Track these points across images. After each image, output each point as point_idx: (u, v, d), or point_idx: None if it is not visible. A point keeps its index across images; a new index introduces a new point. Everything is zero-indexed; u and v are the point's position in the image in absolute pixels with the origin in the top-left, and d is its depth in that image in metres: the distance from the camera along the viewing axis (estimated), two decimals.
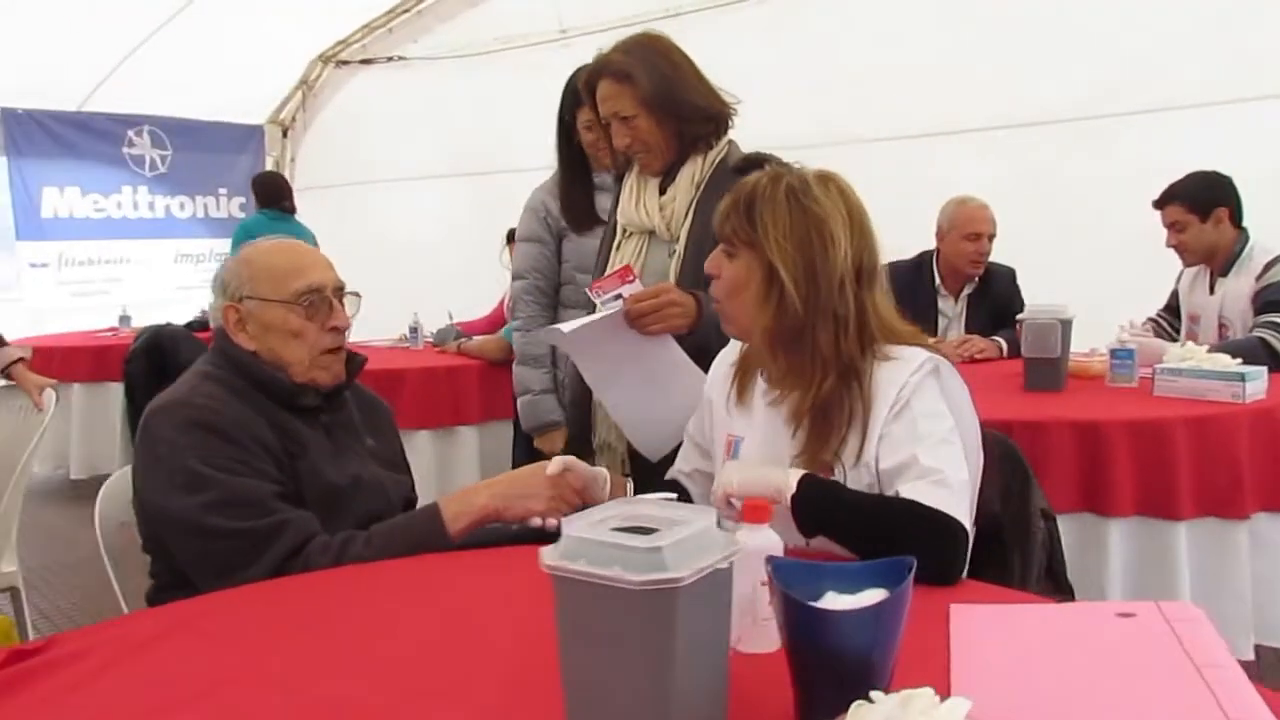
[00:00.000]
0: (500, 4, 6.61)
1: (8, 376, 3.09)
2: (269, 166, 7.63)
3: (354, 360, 1.91)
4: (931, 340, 3.36)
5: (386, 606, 1.39)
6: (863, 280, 1.51)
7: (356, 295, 1.92)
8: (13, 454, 2.93)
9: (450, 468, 3.92)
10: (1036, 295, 4.05)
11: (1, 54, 5.84)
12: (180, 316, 6.21)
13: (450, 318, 4.75)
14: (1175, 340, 3.23)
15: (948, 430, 1.47)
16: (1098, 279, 4.18)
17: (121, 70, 6.41)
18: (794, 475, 1.42)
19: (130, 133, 6.90)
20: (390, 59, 7.09)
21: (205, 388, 1.73)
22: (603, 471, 1.71)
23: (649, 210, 2.13)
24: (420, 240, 7.07)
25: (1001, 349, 3.45)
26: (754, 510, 1.17)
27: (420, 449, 3.88)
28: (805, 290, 1.47)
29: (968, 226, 3.62)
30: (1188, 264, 3.38)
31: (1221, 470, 2.38)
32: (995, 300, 3.67)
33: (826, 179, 1.53)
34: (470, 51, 6.62)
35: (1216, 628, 1.13)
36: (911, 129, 5.11)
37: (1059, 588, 1.80)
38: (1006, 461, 1.85)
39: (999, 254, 3.75)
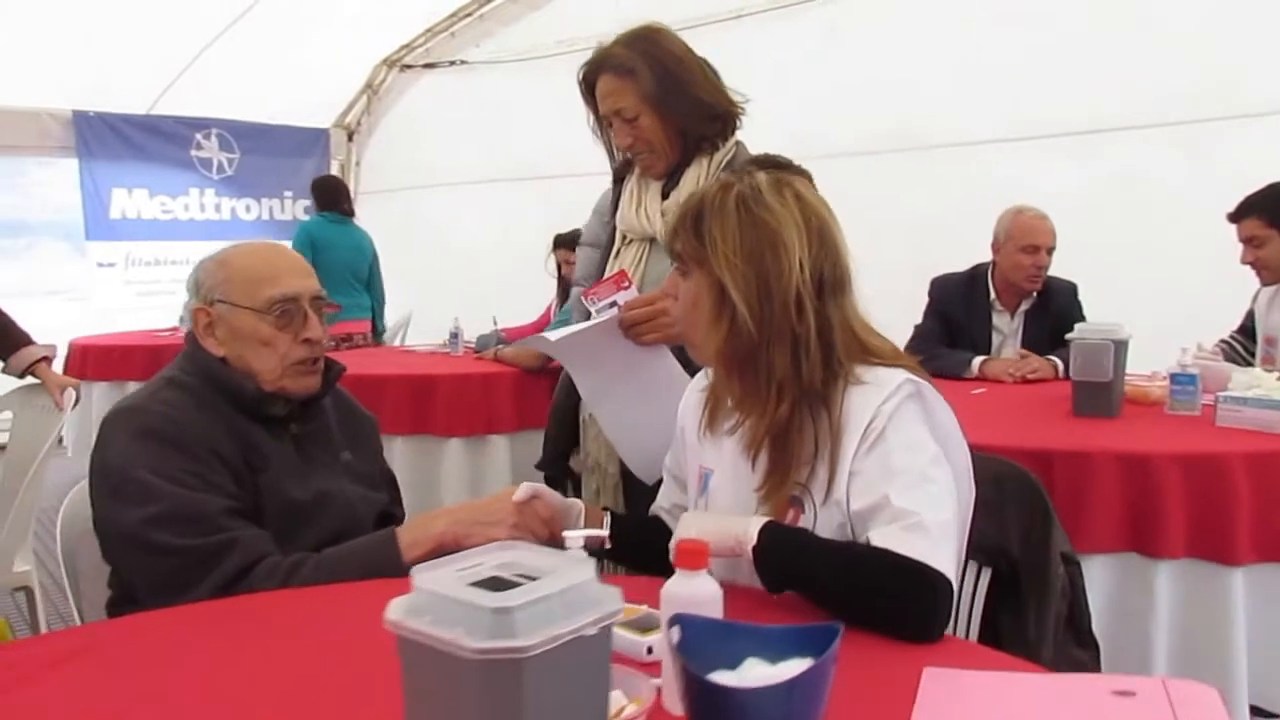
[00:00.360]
0: (561, 7, 6.54)
1: (33, 375, 3.09)
2: (334, 170, 7.68)
3: (331, 370, 1.82)
4: (982, 359, 3.28)
5: (317, 636, 1.29)
6: (825, 294, 1.35)
7: (336, 306, 1.83)
8: (36, 453, 2.93)
9: (481, 477, 3.82)
10: (1107, 313, 3.80)
11: (73, 57, 5.96)
12: None
13: (494, 323, 4.66)
14: (1250, 365, 2.98)
15: (928, 462, 1.30)
16: (1176, 296, 3.92)
17: (189, 74, 6.50)
18: (755, 524, 1.28)
19: (198, 135, 7.01)
20: (452, 63, 7.07)
21: (166, 394, 1.66)
22: (576, 503, 1.58)
23: (650, 216, 2.00)
24: (480, 245, 7.03)
25: (1057, 369, 3.22)
26: (687, 554, 1.03)
27: (452, 457, 3.79)
28: (758, 308, 1.33)
29: (1025, 238, 3.40)
30: (1265, 282, 3.11)
31: None
32: (1055, 317, 3.43)
33: (782, 184, 1.38)
34: (530, 55, 6.56)
35: (1275, 685, 0.95)
36: (981, 134, 4.88)
37: (1081, 641, 1.61)
38: (1027, 499, 1.67)
39: (1068, 267, 3.52)
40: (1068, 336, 2.63)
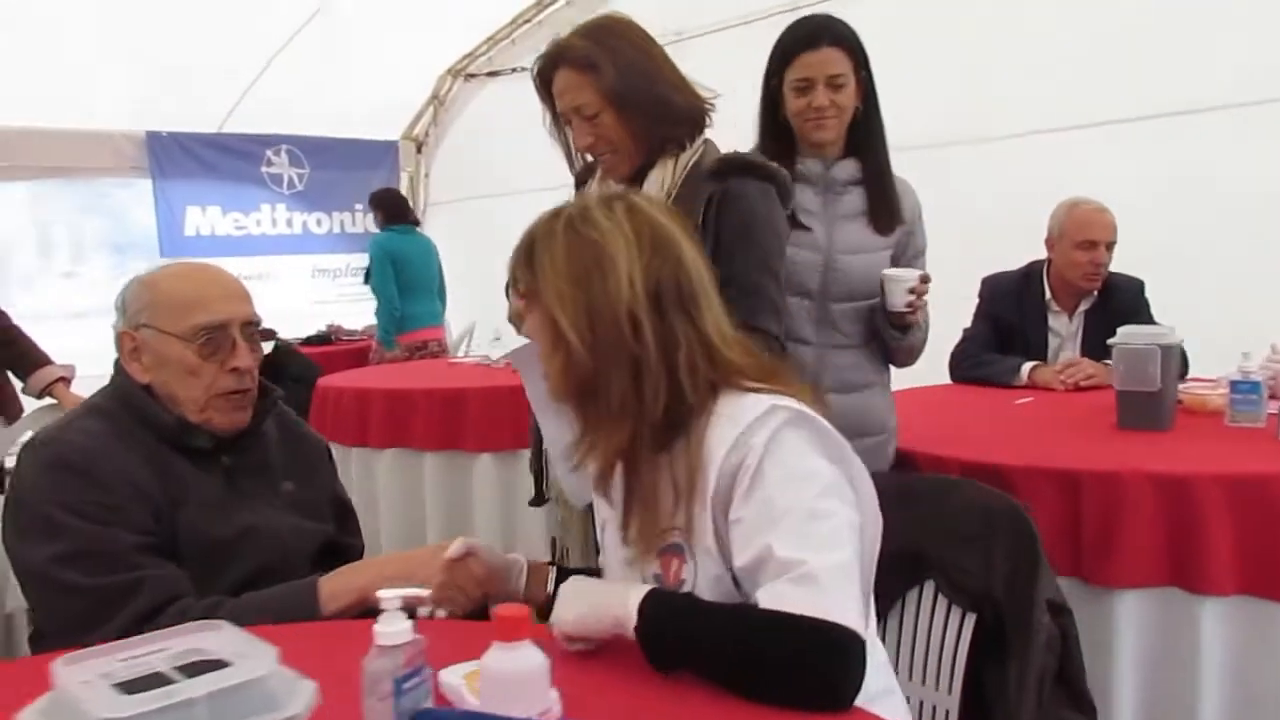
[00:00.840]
0: (614, 9, 6.42)
1: (50, 395, 3.10)
2: (404, 182, 7.73)
3: (267, 398, 1.72)
4: (1031, 365, 3.02)
5: None
6: (666, 308, 1.19)
7: (271, 333, 1.73)
8: None
9: (513, 494, 3.71)
10: (1182, 313, 3.49)
11: (144, 80, 6.10)
12: (313, 330, 6.35)
13: None
14: None
15: (816, 496, 1.12)
16: (1258, 293, 3.56)
17: (257, 92, 6.60)
18: (635, 598, 1.12)
19: (268, 152, 7.12)
20: (514, 70, 7.02)
21: (84, 423, 1.59)
22: (518, 560, 1.45)
23: None
24: None
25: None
26: (505, 624, 0.88)
27: (482, 473, 3.70)
28: (589, 333, 1.18)
29: (1081, 233, 3.11)
30: None
31: None
32: (1117, 317, 3.09)
33: (613, 200, 1.24)
34: None
35: None
36: (1044, 123, 4.56)
37: (1075, 702, 1.41)
38: (1014, 536, 1.47)
39: (1139, 263, 3.23)
40: (1110, 342, 2.37)
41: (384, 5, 6.20)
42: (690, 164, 1.84)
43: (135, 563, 1.47)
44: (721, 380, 1.20)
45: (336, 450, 3.94)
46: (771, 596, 1.07)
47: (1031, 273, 3.30)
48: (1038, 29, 4.42)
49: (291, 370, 5.23)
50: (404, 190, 7.73)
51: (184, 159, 6.68)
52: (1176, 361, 2.30)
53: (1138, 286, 3.24)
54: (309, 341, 6.04)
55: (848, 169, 2.19)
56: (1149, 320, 3.20)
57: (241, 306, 1.66)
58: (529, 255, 1.23)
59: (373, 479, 3.77)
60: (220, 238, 6.97)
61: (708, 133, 1.90)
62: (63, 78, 5.74)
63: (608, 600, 1.14)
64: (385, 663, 0.91)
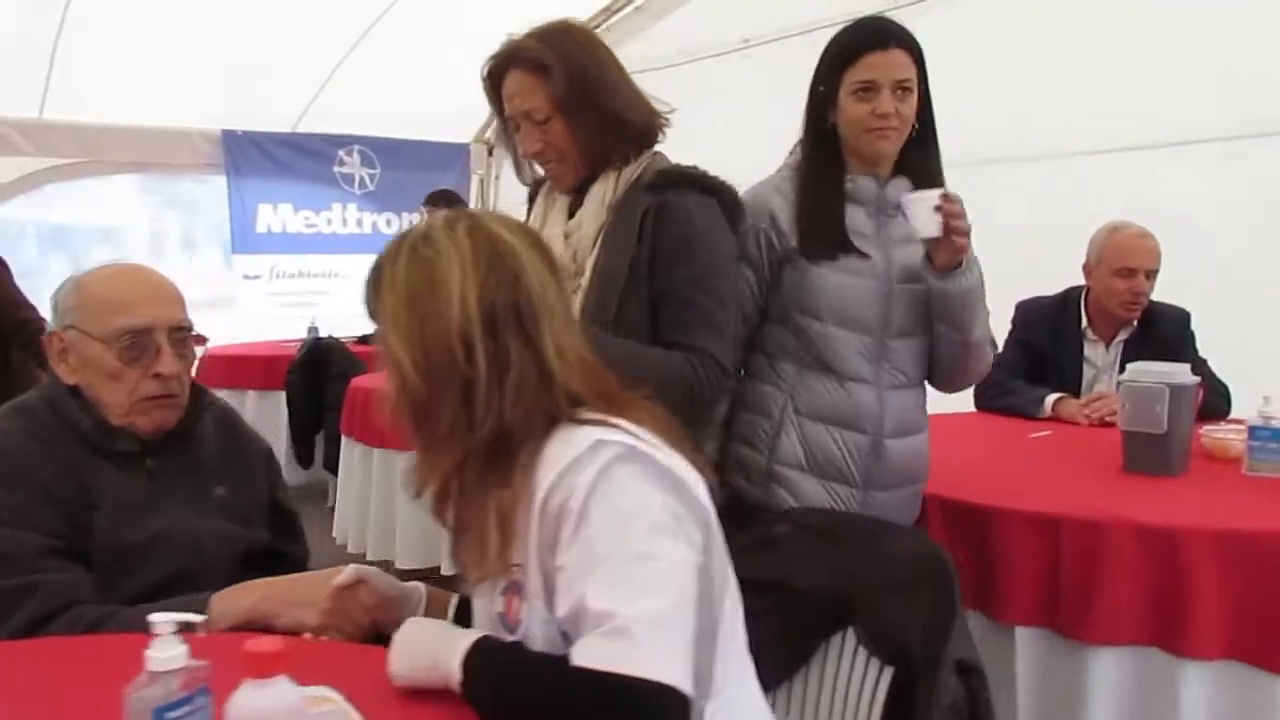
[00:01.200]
0: (686, 15, 6.39)
1: None
2: (474, 185, 7.80)
3: (198, 402, 1.71)
4: (1056, 396, 2.86)
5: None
6: (502, 329, 1.12)
7: (202, 338, 1.71)
8: None
9: None
10: (1243, 344, 3.27)
11: (222, 80, 6.29)
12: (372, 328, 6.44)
13: None
14: None
15: (644, 535, 1.04)
16: None
17: (330, 92, 6.73)
18: (462, 648, 1.07)
19: (340, 152, 7.24)
20: None
21: (5, 422, 1.60)
22: (416, 588, 1.41)
23: (552, 239, 1.79)
24: None
25: None
26: (255, 660, 0.84)
27: None
28: (421, 357, 1.12)
29: (1119, 260, 2.93)
30: None
31: None
32: (1159, 349, 2.91)
33: (458, 219, 1.18)
34: (654, 66, 6.42)
35: None
36: (1122, 141, 4.34)
37: None
38: (936, 589, 1.36)
39: (1222, 288, 3.01)
40: (1119, 379, 2.22)
41: (456, 7, 6.27)
42: (633, 178, 1.78)
43: (35, 566, 1.47)
44: (557, 408, 1.13)
45: (359, 450, 4.05)
46: (583, 652, 1.00)
47: (1069, 299, 3.13)
48: (1093, 45, 4.21)
49: (334, 367, 5.34)
50: (474, 193, 7.79)
51: (258, 157, 6.84)
52: (1189, 402, 2.13)
53: (1182, 317, 3.05)
54: (364, 340, 6.13)
55: (902, 189, 1.96)
56: (1193, 353, 3.01)
57: (168, 310, 1.64)
58: (375, 281, 1.19)
59: (392, 479, 3.79)
60: (291, 235, 7.12)
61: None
62: (143, 77, 5.95)
63: (437, 652, 1.09)
64: (151, 691, 0.87)
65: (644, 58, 6.56)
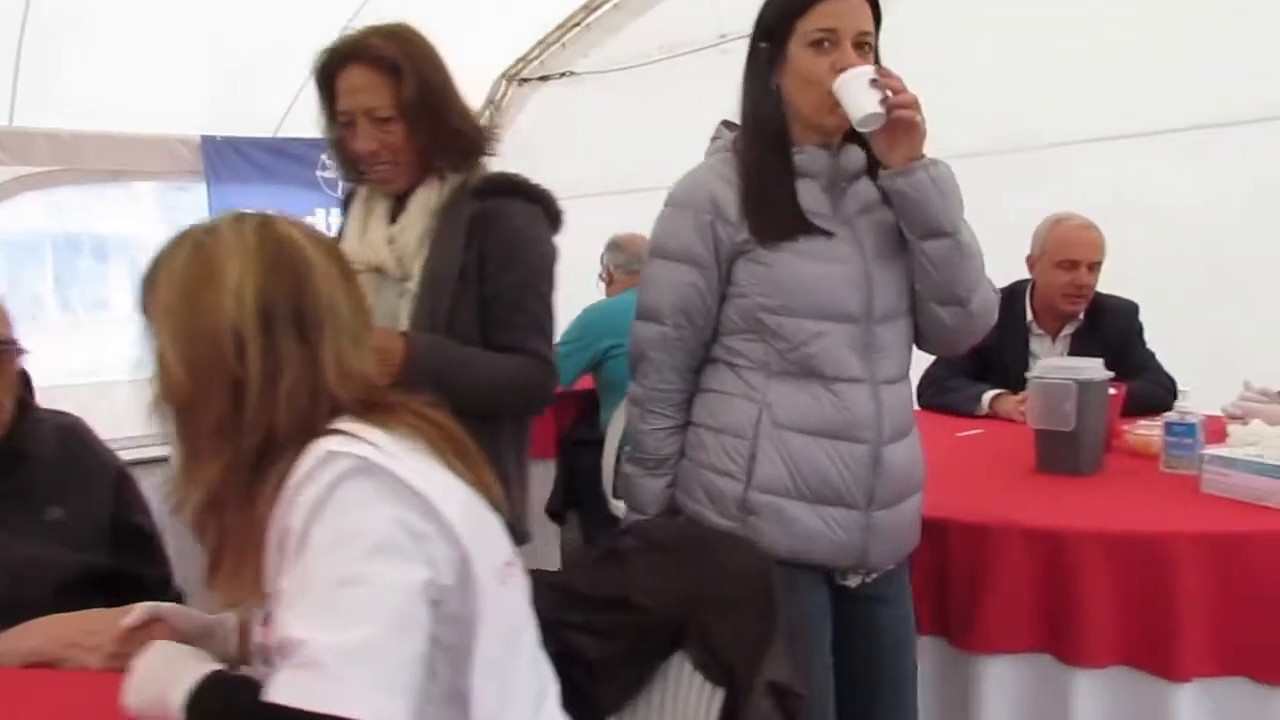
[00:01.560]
0: (661, 12, 6.34)
1: None
2: None
3: (26, 420, 1.66)
4: (994, 393, 2.79)
5: None
6: (276, 330, 1.06)
7: (20, 351, 1.65)
8: None
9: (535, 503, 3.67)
10: (1234, 335, 3.19)
11: (199, 85, 6.29)
12: None
13: None
14: None
15: (359, 557, 0.97)
16: None
17: (311, 95, 6.71)
18: (188, 682, 1.02)
19: (324, 156, 7.22)
20: (562, 74, 6.98)
21: None
22: (223, 620, 1.34)
23: (375, 243, 1.77)
24: (593, 261, 6.91)
25: None
26: None
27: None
28: (187, 348, 1.06)
29: (1061, 252, 2.85)
30: None
31: (1258, 613, 1.63)
32: (1106, 342, 2.85)
33: (248, 216, 1.13)
34: (631, 64, 6.39)
35: None
36: (1108, 129, 4.23)
37: None
38: (760, 605, 1.31)
39: (1212, 277, 2.92)
40: (1026, 375, 2.15)
41: (434, 6, 6.25)
42: (459, 184, 1.79)
43: None
44: (323, 421, 1.07)
45: None
46: (276, 686, 0.94)
47: (1015, 292, 3.05)
48: (1083, 34, 4.12)
49: None
50: None
51: (239, 163, 6.83)
52: (1102, 399, 2.07)
53: (1130, 309, 2.97)
54: None
55: (855, 158, 1.67)
56: (1139, 345, 2.95)
57: None
58: (152, 273, 1.12)
59: None
60: None
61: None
62: (118, 82, 5.94)
63: (163, 689, 1.04)
64: None
65: (622, 55, 6.54)
